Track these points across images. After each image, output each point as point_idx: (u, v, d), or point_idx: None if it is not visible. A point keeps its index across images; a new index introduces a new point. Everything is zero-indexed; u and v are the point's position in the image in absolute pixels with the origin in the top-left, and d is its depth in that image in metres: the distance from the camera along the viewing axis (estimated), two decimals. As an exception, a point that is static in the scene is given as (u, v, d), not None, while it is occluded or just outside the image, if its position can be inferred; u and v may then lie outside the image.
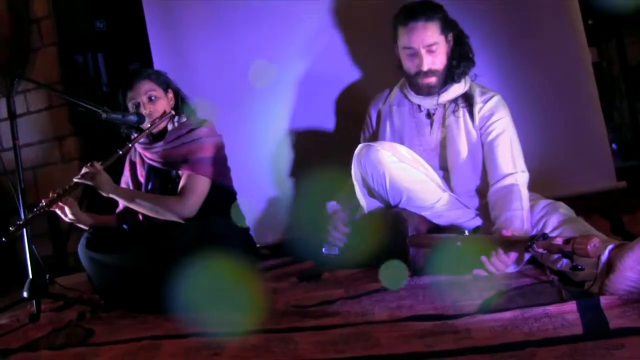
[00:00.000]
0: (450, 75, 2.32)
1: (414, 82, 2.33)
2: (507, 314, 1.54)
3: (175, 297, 2.04)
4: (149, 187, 2.53)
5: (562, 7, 2.71)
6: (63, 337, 2.07)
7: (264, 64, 2.87)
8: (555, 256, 1.81)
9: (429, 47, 2.25)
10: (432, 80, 2.29)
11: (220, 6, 3.04)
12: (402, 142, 2.37)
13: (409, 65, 2.31)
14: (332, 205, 2.44)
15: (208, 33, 3.08)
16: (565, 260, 1.76)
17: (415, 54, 2.27)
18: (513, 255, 1.86)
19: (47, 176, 3.76)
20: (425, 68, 2.26)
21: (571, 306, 1.50)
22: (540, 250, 1.67)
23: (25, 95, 3.78)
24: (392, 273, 2.07)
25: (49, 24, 3.68)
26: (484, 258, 1.87)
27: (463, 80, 2.35)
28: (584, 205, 2.41)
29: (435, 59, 2.27)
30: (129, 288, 2.33)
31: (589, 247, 1.53)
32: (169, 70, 2.67)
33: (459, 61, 2.32)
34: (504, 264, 1.88)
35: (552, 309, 1.51)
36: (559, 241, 1.60)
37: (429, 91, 2.32)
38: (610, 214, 2.57)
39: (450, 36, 2.31)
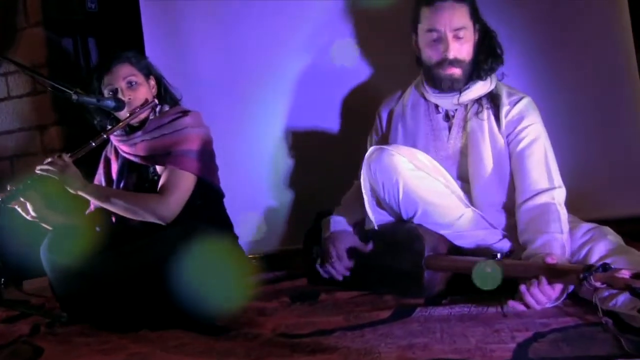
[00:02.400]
0: (476, 71, 2.02)
1: (434, 74, 2.03)
2: (552, 368, 1.20)
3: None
4: (122, 185, 2.23)
5: (607, 6, 2.42)
6: (5, 356, 1.74)
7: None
8: (606, 293, 1.48)
9: (457, 31, 1.96)
10: (457, 71, 1.99)
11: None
12: (415, 148, 2.05)
13: (430, 54, 2.01)
14: (338, 221, 2.11)
15: (205, 21, 2.84)
16: (622, 299, 1.43)
17: (439, 39, 1.98)
18: (558, 287, 1.51)
19: (26, 167, 3.45)
20: (451, 56, 1.97)
21: (641, 364, 1.16)
22: (598, 284, 1.33)
23: (6, 78, 3.48)
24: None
25: (35, 1, 3.37)
26: (522, 288, 1.53)
27: (489, 79, 2.04)
28: (620, 231, 2.06)
29: (462, 47, 1.98)
30: (93, 299, 2.00)
31: (668, 286, 1.20)
32: (161, 58, 2.43)
33: (487, 56, 2.03)
34: (548, 297, 1.54)
35: (614, 365, 1.17)
36: (625, 274, 1.26)
37: (451, 85, 2.02)
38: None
39: (477, 27, 2.03)
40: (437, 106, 2.10)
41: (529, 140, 1.94)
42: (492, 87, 2.05)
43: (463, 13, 1.97)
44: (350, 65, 2.45)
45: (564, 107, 2.37)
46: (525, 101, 2.00)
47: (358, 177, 2.03)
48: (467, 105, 2.05)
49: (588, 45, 2.43)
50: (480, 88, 2.04)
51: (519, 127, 1.96)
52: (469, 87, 2.03)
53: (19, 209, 2.10)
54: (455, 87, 2.02)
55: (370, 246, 2.03)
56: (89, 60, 3.34)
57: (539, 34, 2.45)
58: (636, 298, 1.25)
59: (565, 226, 1.78)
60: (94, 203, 2.23)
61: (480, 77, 2.02)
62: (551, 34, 2.45)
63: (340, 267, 2.04)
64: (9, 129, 3.45)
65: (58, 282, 2.08)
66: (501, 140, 1.98)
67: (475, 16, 2.02)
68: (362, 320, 1.72)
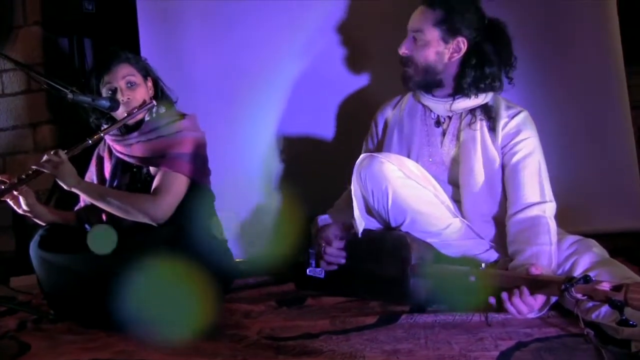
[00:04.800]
0: (458, 85, 2.03)
1: None
2: (534, 375, 1.22)
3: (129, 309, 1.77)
4: (114, 185, 2.23)
5: (600, 27, 2.47)
6: (-9, 351, 1.74)
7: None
8: (590, 304, 1.50)
9: (414, 32, 2.03)
10: (407, 70, 2.06)
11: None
12: (409, 152, 2.08)
13: None
14: (323, 219, 2.14)
15: (201, 24, 2.84)
16: (604, 310, 1.45)
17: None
18: (540, 298, 1.54)
19: (18, 165, 3.46)
20: (399, 51, 2.04)
21: (620, 374, 1.18)
22: (579, 295, 1.35)
23: (1, 76, 3.49)
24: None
25: (34, 0, 3.38)
26: (504, 295, 1.56)
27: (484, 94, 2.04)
28: (605, 244, 2.08)
29: (415, 48, 2.03)
30: (81, 296, 2.00)
31: (648, 299, 1.22)
32: (156, 60, 2.41)
33: (471, 71, 2.00)
34: (529, 307, 1.56)
35: (594, 374, 1.19)
36: (605, 286, 1.29)
37: (404, 83, 2.09)
38: (638, 257, 2.25)
39: (457, 40, 2.00)
40: (431, 110, 2.11)
41: (524, 154, 1.96)
42: (487, 99, 2.05)
43: (426, 17, 2.00)
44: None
45: (552, 123, 2.39)
46: (523, 115, 2.01)
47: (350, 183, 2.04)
48: (461, 114, 2.07)
49: (578, 62, 2.47)
50: (470, 100, 2.04)
51: (515, 140, 1.98)
52: (456, 99, 2.04)
53: (11, 203, 2.10)
54: (408, 85, 2.09)
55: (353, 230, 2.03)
56: (85, 61, 3.34)
57: (530, 52, 2.45)
58: (615, 310, 1.27)
59: (554, 238, 1.80)
60: (85, 200, 2.24)
61: (463, 93, 2.02)
62: (543, 51, 2.49)
63: (332, 250, 2.02)
64: (2, 126, 3.46)
65: (47, 278, 2.08)
66: (494, 152, 1.99)
67: (449, 28, 1.99)
68: (348, 325, 1.74)
